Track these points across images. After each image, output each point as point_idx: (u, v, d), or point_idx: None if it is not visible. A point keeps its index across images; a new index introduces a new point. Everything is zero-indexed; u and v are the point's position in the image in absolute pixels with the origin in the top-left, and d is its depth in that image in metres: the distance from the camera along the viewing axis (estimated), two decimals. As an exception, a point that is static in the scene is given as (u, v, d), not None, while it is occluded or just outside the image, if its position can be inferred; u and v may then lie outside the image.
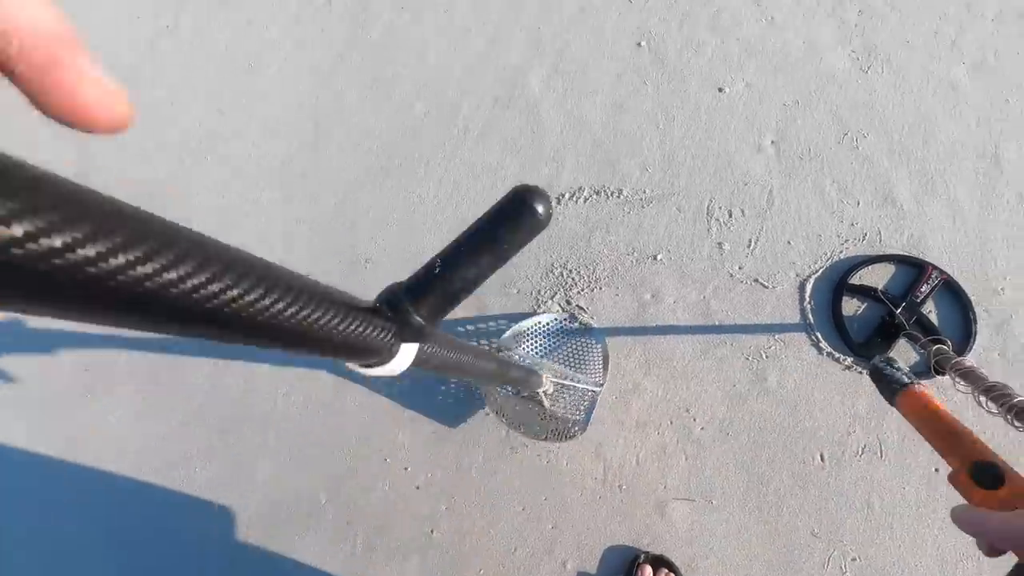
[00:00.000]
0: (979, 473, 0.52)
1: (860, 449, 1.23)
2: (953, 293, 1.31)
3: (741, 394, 1.29)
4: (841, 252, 1.38)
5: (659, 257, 1.42)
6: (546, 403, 1.18)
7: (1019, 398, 0.74)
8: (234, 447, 1.45)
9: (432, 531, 1.31)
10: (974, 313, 1.28)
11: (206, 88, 1.80)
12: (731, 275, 1.39)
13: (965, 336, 1.28)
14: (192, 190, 1.68)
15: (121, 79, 0.23)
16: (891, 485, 1.21)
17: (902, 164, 1.44)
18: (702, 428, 1.28)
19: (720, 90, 1.57)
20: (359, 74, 1.74)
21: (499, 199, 0.38)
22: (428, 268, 0.39)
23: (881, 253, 1.35)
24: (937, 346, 0.94)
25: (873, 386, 1.26)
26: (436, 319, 0.40)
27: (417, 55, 1.72)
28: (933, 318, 1.30)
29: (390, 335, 0.39)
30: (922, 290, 1.29)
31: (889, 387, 0.68)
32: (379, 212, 1.56)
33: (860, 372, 1.28)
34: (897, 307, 1.28)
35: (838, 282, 1.33)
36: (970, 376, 0.82)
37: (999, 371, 1.26)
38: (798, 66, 1.58)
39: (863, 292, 1.32)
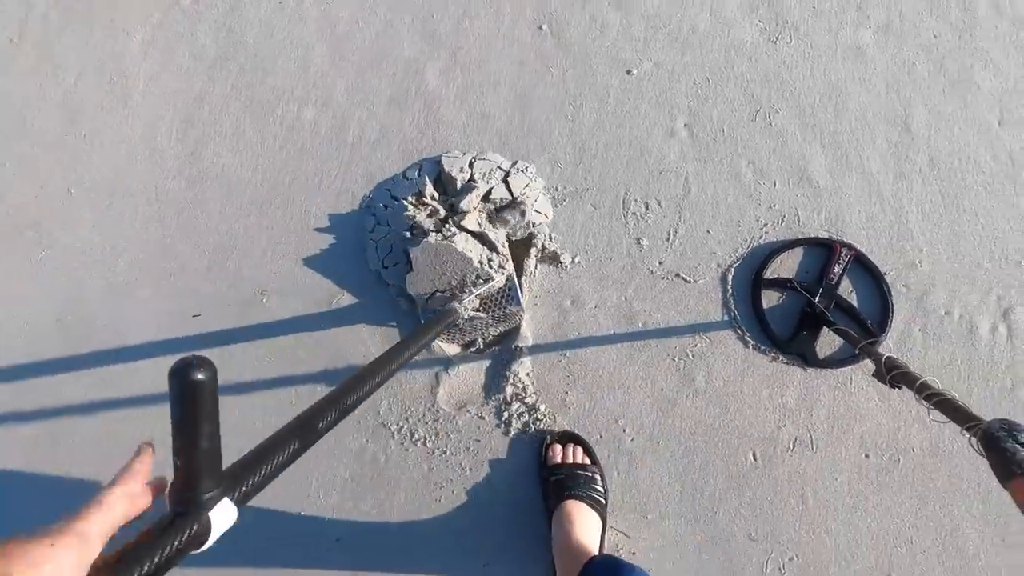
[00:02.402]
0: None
1: (791, 443, 1.20)
2: (865, 268, 1.28)
3: (670, 398, 1.24)
4: (761, 237, 1.33)
5: (576, 259, 1.34)
6: (482, 315, 1.26)
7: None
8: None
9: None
10: (888, 287, 1.26)
11: (62, 110, 1.58)
12: (651, 272, 1.32)
13: (883, 313, 1.25)
14: (63, 219, 1.49)
15: None
16: (824, 477, 1.18)
17: (815, 138, 1.39)
18: (632, 439, 1.22)
19: (628, 72, 1.48)
20: (234, 88, 1.56)
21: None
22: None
23: (793, 238, 1.31)
24: (886, 357, 0.88)
25: (800, 374, 1.23)
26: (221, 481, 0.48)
27: (298, 59, 1.55)
28: (853, 298, 1.27)
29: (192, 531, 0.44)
30: (835, 271, 1.26)
31: (1006, 465, 0.57)
32: (271, 238, 1.41)
33: (786, 363, 1.24)
34: (815, 295, 1.24)
35: (754, 279, 1.28)
36: (913, 383, 0.81)
37: (919, 346, 1.25)
38: (706, 40, 1.50)
39: (779, 285, 1.28)
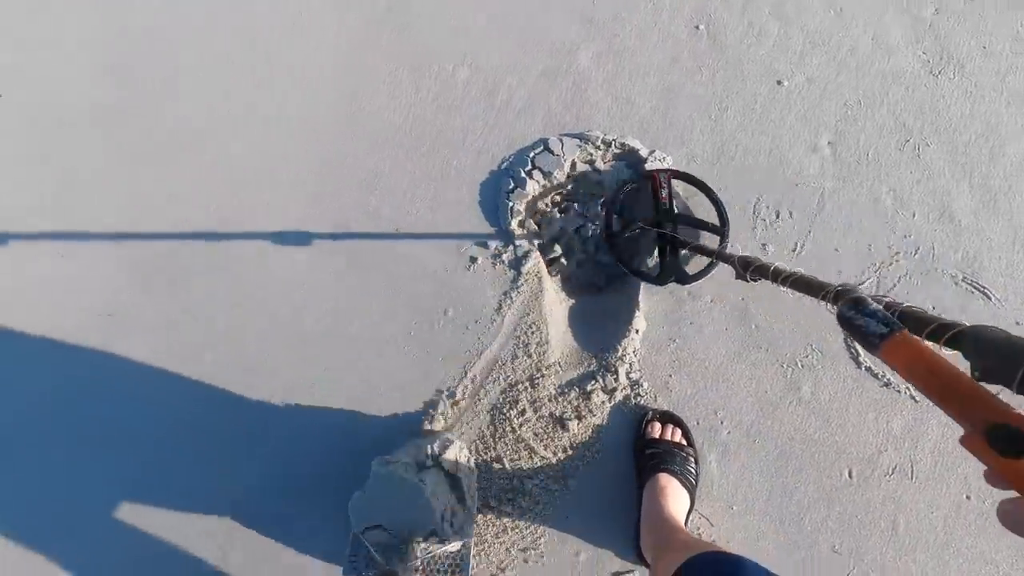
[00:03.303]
0: (999, 439, 0.42)
1: (891, 469, 1.20)
2: (688, 180, 1.37)
3: (772, 401, 1.26)
4: (890, 264, 1.33)
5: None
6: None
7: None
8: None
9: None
10: (713, 192, 1.35)
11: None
12: (773, 278, 1.34)
13: (718, 211, 1.34)
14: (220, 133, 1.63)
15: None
16: (919, 508, 1.18)
17: (964, 177, 1.37)
18: (728, 432, 1.25)
19: (779, 83, 1.50)
20: (398, 40, 1.66)
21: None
22: None
23: (613, 192, 1.38)
24: (739, 256, 0.96)
25: (911, 405, 1.23)
26: None
27: (460, 24, 1.64)
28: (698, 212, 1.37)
29: None
30: (663, 196, 1.34)
31: (867, 340, 0.58)
32: (412, 182, 1.51)
33: (898, 391, 1.24)
34: (659, 224, 1.31)
35: (607, 236, 1.35)
36: (767, 272, 0.88)
37: None
38: (864, 63, 1.50)
39: (628, 230, 1.33)
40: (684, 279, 1.30)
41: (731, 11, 1.59)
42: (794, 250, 1.35)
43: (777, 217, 1.38)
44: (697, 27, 1.58)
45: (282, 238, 1.48)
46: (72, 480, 1.32)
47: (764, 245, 1.36)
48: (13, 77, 1.72)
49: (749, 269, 0.92)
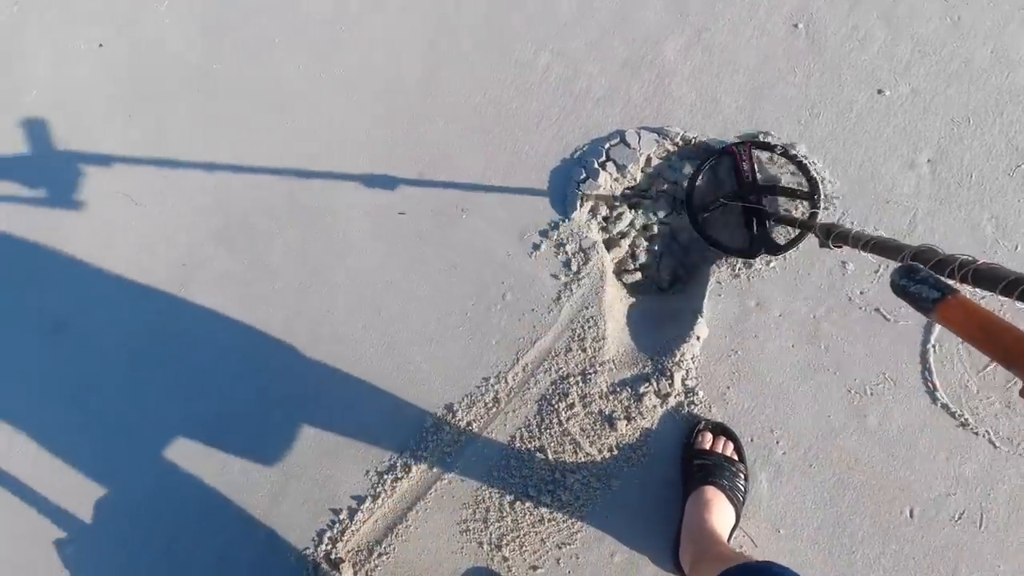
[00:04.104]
0: None
1: (957, 514, 1.13)
2: (769, 149, 1.35)
3: (835, 427, 1.20)
4: (983, 297, 1.23)
5: (772, 263, 1.31)
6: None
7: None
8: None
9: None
10: (800, 156, 1.33)
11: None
12: (850, 298, 1.27)
13: (807, 178, 1.30)
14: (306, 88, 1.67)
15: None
16: (985, 559, 1.11)
17: (1080, 212, 1.26)
18: (783, 453, 1.20)
19: (879, 92, 1.41)
20: (481, 16, 1.65)
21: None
22: None
23: (695, 166, 1.38)
24: (820, 224, 0.97)
25: (988, 449, 1.15)
26: None
27: (546, 6, 1.61)
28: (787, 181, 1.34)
29: None
30: (745, 170, 1.32)
31: (920, 305, 0.58)
32: (483, 163, 1.50)
33: (976, 432, 1.16)
34: (743, 199, 1.30)
35: (691, 217, 1.35)
36: (847, 237, 0.88)
37: None
38: (978, 77, 1.39)
39: (710, 207, 1.33)
40: (774, 249, 1.29)
41: (835, 11, 1.49)
42: (876, 271, 1.28)
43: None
44: (796, 26, 1.50)
45: (352, 207, 1.51)
46: (139, 413, 1.41)
47: (844, 263, 1.29)
48: (115, 30, 1.80)
49: (831, 236, 0.93)
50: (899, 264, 0.62)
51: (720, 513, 1.10)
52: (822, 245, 0.96)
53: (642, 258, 1.43)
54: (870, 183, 1.34)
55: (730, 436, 1.20)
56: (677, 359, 1.27)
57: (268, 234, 1.52)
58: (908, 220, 1.30)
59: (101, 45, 1.83)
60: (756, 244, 1.29)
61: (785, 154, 1.34)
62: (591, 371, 1.30)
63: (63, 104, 1.73)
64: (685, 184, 1.37)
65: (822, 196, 1.30)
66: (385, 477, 1.29)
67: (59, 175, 1.63)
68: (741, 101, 1.46)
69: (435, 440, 1.30)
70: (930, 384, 1.20)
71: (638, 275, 1.43)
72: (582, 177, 1.43)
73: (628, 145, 1.43)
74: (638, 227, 1.43)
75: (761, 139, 1.37)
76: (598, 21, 1.58)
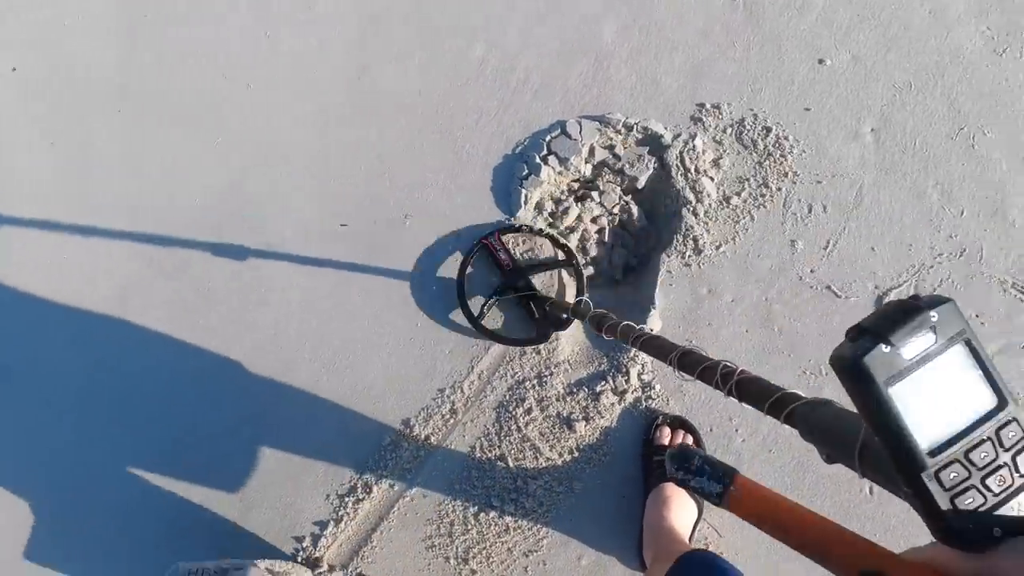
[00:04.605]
0: None
1: (916, 487, 1.14)
2: (511, 231, 1.33)
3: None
4: (931, 267, 1.22)
5: (721, 248, 1.29)
6: None
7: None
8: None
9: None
10: (551, 233, 1.33)
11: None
12: (800, 278, 1.26)
13: (563, 250, 1.32)
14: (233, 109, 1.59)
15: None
16: (944, 530, 1.11)
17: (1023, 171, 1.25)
18: (743, 440, 1.20)
19: (820, 61, 1.37)
20: (410, 10, 1.57)
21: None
22: None
23: (456, 278, 1.32)
24: (592, 313, 0.97)
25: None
26: None
27: (478, -8, 1.54)
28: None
29: None
30: (502, 258, 1.30)
31: (708, 499, 0.54)
32: (424, 165, 1.45)
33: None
34: (513, 288, 1.28)
35: (472, 322, 1.30)
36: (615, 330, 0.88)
37: None
38: (918, 39, 1.36)
39: (487, 307, 1.30)
40: (563, 326, 1.28)
41: (772, -21, 1.45)
42: (825, 248, 1.26)
43: (809, 211, 1.29)
44: (733, -3, 1.45)
45: (291, 222, 1.45)
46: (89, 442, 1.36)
47: (793, 242, 1.27)
48: (26, 52, 1.70)
49: (603, 327, 0.91)
50: (671, 451, 0.57)
51: (680, 508, 1.09)
52: (596, 335, 0.96)
53: (593, 251, 1.39)
54: (815, 159, 1.31)
55: (689, 429, 1.19)
56: (632, 354, 1.25)
57: (205, 257, 1.46)
58: (854, 193, 1.28)
59: (14, 69, 1.73)
60: (542, 328, 1.27)
61: (531, 231, 1.33)
62: (547, 373, 1.27)
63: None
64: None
65: (579, 260, 1.31)
66: (346, 500, 1.26)
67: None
68: (682, 80, 1.42)
69: (394, 457, 1.27)
70: (883, 359, 1.19)
71: (590, 269, 1.40)
72: (524, 173, 1.38)
73: (569, 136, 1.39)
74: (586, 220, 1.39)
75: (507, 224, 1.34)
76: (531, 5, 1.51)
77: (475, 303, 1.30)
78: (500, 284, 1.30)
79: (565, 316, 1.26)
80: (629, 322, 0.87)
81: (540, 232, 1.32)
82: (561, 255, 1.32)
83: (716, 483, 0.53)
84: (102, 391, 1.40)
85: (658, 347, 0.75)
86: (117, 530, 1.31)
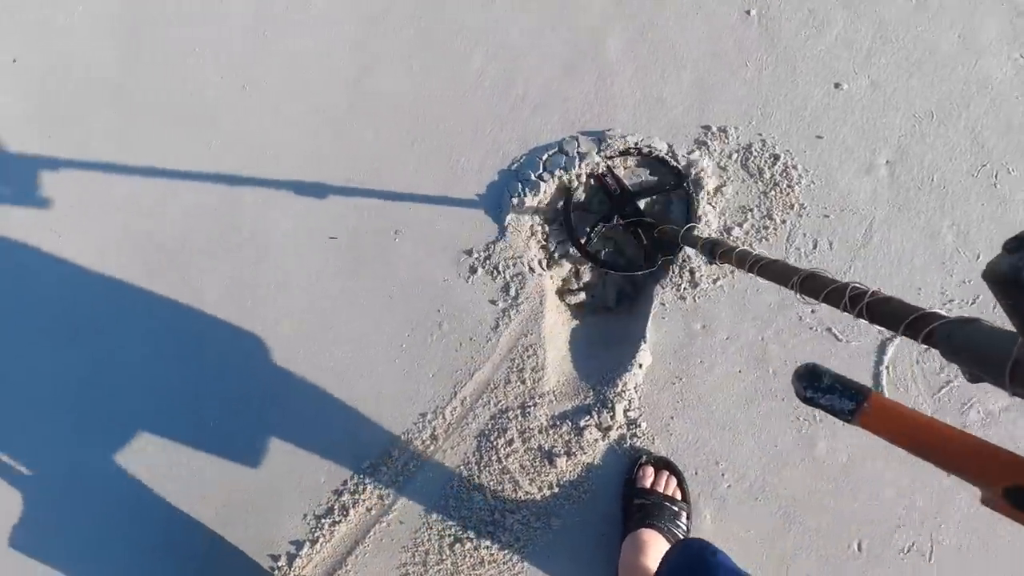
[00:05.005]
0: (1021, 500, 0.39)
1: (907, 547, 1.09)
2: (624, 154, 1.31)
3: (782, 457, 1.15)
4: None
5: (719, 282, 1.23)
6: None
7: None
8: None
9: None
10: (672, 153, 1.30)
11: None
12: (800, 318, 1.20)
13: (672, 172, 1.28)
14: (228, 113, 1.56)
15: None
16: (933, 593, 1.07)
17: (1048, 215, 1.17)
18: (729, 486, 1.15)
19: (837, 86, 1.30)
20: (411, 15, 1.51)
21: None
22: None
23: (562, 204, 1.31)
24: (703, 240, 0.93)
25: (939, 481, 1.10)
26: None
27: (475, 4, 1.48)
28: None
29: None
30: (610, 183, 1.27)
31: (839, 416, 0.53)
32: (417, 176, 1.40)
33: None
34: (622, 213, 1.25)
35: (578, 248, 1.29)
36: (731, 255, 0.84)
37: None
38: (943, 66, 1.27)
39: (594, 233, 1.28)
40: (673, 250, 1.24)
41: (791, -6, 1.36)
42: (829, 288, 1.20)
43: (814, 247, 1.22)
44: (748, 12, 1.37)
45: (280, 232, 1.42)
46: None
47: (795, 279, 1.21)
48: (28, 43, 1.68)
49: (716, 253, 0.88)
50: (799, 370, 0.55)
51: (657, 555, 1.05)
52: (710, 262, 0.92)
53: (586, 276, 1.35)
54: (823, 191, 1.24)
55: (673, 471, 1.15)
56: (619, 389, 1.21)
57: (197, 264, 1.44)
58: (864, 230, 1.21)
59: (15, 60, 1.71)
60: (650, 255, 1.24)
61: (640, 152, 1.29)
62: (531, 404, 1.24)
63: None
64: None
65: (690, 182, 1.27)
66: (323, 521, 1.25)
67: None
68: (689, 100, 1.35)
69: (373, 481, 1.25)
70: (882, 409, 1.13)
71: (582, 295, 1.35)
72: (519, 191, 1.33)
73: (566, 154, 1.34)
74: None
75: (617, 149, 1.31)
76: (535, 14, 1.45)
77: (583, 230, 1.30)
78: (608, 210, 1.28)
79: (674, 244, 1.21)
80: (745, 248, 0.85)
81: (650, 155, 1.29)
82: (671, 178, 1.29)
83: (848, 400, 0.51)
84: (89, 400, 1.40)
85: (779, 272, 0.75)
86: (89, 556, 1.31)
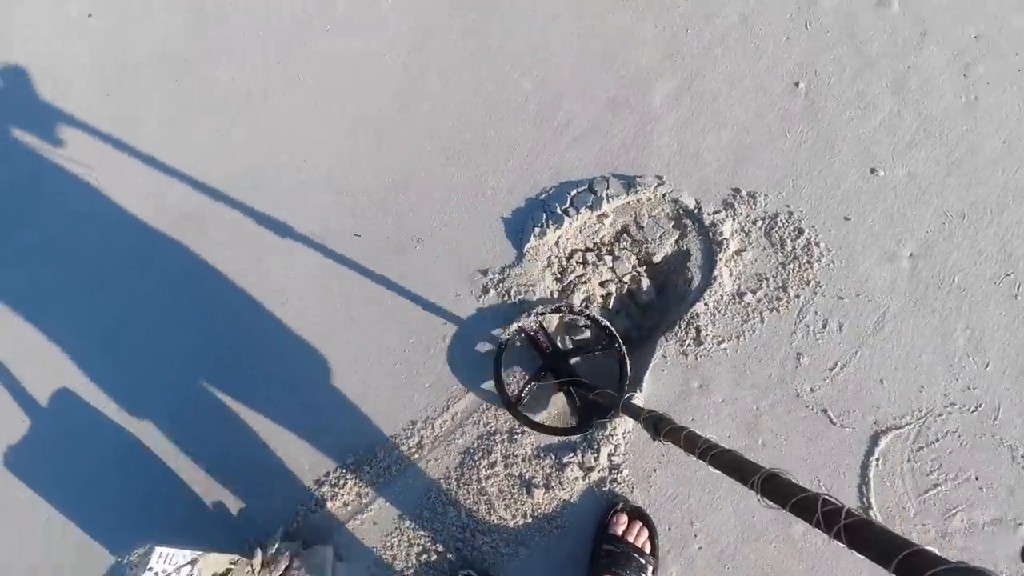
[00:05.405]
0: None
1: (867, 643, 1.08)
2: (555, 312, 1.27)
3: (758, 530, 1.15)
4: (940, 415, 1.15)
5: (724, 344, 1.24)
6: None
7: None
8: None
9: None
10: (592, 314, 1.26)
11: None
12: (798, 394, 1.20)
13: (605, 332, 1.24)
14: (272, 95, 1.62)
15: None
16: None
17: (1065, 335, 1.16)
18: (699, 548, 1.16)
19: (873, 171, 1.30)
20: (469, 31, 1.56)
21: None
22: None
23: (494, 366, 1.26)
24: (647, 413, 0.84)
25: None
26: None
27: (538, 27, 1.51)
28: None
29: None
30: (542, 340, 1.25)
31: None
32: (446, 190, 1.44)
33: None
34: (555, 370, 1.23)
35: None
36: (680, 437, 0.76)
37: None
38: (984, 168, 1.27)
39: (526, 391, 1.24)
40: (604, 414, 1.20)
41: (842, 73, 1.37)
42: (832, 369, 1.20)
43: (824, 327, 1.23)
44: (797, 84, 1.39)
45: (307, 221, 1.46)
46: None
47: (799, 355, 1.21)
48: (104, 2, 1.76)
49: (661, 431, 0.80)
50: None
51: (618, 607, 1.06)
52: (653, 439, 0.82)
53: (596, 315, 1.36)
54: (842, 272, 1.24)
55: (646, 522, 1.15)
56: (607, 432, 1.22)
57: (218, 239, 1.49)
58: (876, 319, 1.21)
59: (90, 15, 1.79)
60: (583, 418, 1.22)
61: (572, 311, 1.27)
62: (518, 431, 1.26)
63: (45, 68, 1.71)
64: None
65: (620, 342, 1.22)
66: (300, 508, 1.27)
67: (21, 142, 1.62)
68: (723, 160, 1.37)
69: (354, 478, 1.27)
70: (865, 500, 1.13)
71: (587, 333, 1.37)
72: (543, 221, 1.36)
73: (594, 193, 1.36)
74: (594, 283, 1.36)
75: (548, 306, 1.28)
76: (589, 49, 1.48)
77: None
78: (540, 368, 1.26)
79: (612, 412, 1.18)
80: (695, 431, 0.76)
81: (581, 312, 1.27)
82: (604, 338, 1.26)
83: None
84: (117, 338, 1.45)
85: (734, 466, 0.66)
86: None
